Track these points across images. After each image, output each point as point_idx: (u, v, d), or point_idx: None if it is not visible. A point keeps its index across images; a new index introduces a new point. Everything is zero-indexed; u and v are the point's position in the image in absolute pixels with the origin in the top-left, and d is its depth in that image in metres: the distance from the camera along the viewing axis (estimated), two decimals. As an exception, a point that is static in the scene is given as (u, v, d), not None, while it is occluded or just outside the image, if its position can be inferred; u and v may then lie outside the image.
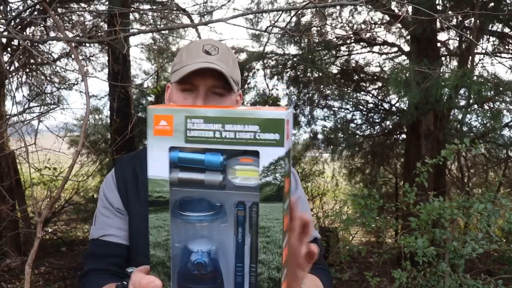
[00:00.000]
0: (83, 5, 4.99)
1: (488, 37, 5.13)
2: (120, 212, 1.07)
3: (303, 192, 1.21)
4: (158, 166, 0.56)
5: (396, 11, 5.04)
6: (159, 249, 0.57)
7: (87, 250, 1.09)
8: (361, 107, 6.35)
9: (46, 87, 5.38)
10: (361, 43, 5.94)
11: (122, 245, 1.05)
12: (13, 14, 3.59)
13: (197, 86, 0.99)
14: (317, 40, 5.04)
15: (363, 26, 5.59)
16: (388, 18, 5.47)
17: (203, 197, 0.58)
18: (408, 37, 5.34)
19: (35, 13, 3.88)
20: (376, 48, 6.02)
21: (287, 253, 0.58)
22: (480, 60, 5.27)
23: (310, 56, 4.96)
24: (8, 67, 4.49)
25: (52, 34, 4.43)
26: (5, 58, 4.50)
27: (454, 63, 5.70)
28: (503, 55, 5.41)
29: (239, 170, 0.56)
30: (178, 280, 0.58)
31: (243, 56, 5.94)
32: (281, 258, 0.54)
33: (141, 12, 4.97)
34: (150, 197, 0.57)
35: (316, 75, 5.68)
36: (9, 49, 4.62)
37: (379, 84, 6.20)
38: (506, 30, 5.07)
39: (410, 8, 4.68)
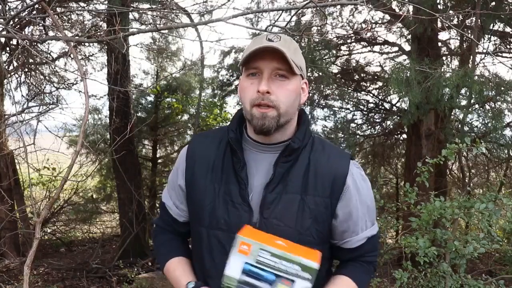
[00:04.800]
0: (82, 4, 4.97)
1: (489, 36, 5.10)
2: (181, 188, 1.21)
3: (362, 202, 1.16)
4: (234, 270, 0.97)
5: (397, 10, 5.02)
6: None
7: (160, 203, 1.33)
8: (361, 107, 6.32)
9: (45, 87, 5.35)
10: (362, 43, 5.91)
11: (172, 217, 1.26)
12: (12, 13, 3.57)
13: (261, 69, 1.07)
14: (317, 39, 5.02)
15: (363, 26, 5.56)
16: (388, 18, 5.45)
17: None
18: (409, 37, 5.32)
19: (34, 12, 3.86)
20: (376, 48, 6.00)
21: None
22: (481, 59, 5.25)
23: (310, 56, 4.94)
24: (7, 67, 4.47)
25: (51, 33, 4.41)
26: (4, 57, 4.48)
27: (455, 62, 5.68)
28: (504, 54, 5.39)
29: (280, 286, 0.95)
30: None
31: (243, 56, 5.90)
32: None
33: (141, 11, 4.95)
34: (223, 285, 0.99)
35: (317, 75, 5.66)
36: (8, 48, 4.60)
37: (380, 83, 6.18)
38: (508, 29, 5.05)
39: (411, 8, 4.66)
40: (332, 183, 1.11)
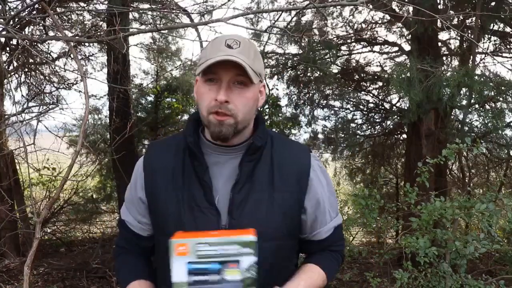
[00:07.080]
0: (82, 4, 4.96)
1: (489, 36, 5.11)
2: (141, 200, 1.17)
3: (325, 193, 1.19)
4: (180, 275, 0.95)
5: (397, 10, 5.01)
6: None
7: (118, 221, 1.27)
8: (361, 106, 6.33)
9: (45, 87, 5.35)
10: (362, 43, 5.91)
11: (134, 233, 1.22)
12: (12, 13, 3.57)
13: (220, 77, 1.04)
14: (317, 39, 5.02)
15: (363, 26, 5.56)
16: (388, 18, 5.45)
17: None
18: (409, 37, 5.32)
19: (34, 12, 3.86)
20: (376, 48, 6.00)
21: None
22: (481, 59, 5.25)
23: (310, 55, 4.94)
24: (7, 67, 4.47)
25: (51, 33, 4.41)
26: (4, 57, 4.48)
27: (456, 62, 5.68)
28: (504, 54, 5.39)
29: (228, 271, 0.95)
30: None
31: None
32: None
33: (141, 11, 4.95)
34: None
35: (317, 75, 5.66)
36: (8, 48, 4.59)
37: (380, 83, 6.18)
38: (508, 29, 5.05)
39: (411, 8, 4.66)
40: (297, 178, 1.12)
